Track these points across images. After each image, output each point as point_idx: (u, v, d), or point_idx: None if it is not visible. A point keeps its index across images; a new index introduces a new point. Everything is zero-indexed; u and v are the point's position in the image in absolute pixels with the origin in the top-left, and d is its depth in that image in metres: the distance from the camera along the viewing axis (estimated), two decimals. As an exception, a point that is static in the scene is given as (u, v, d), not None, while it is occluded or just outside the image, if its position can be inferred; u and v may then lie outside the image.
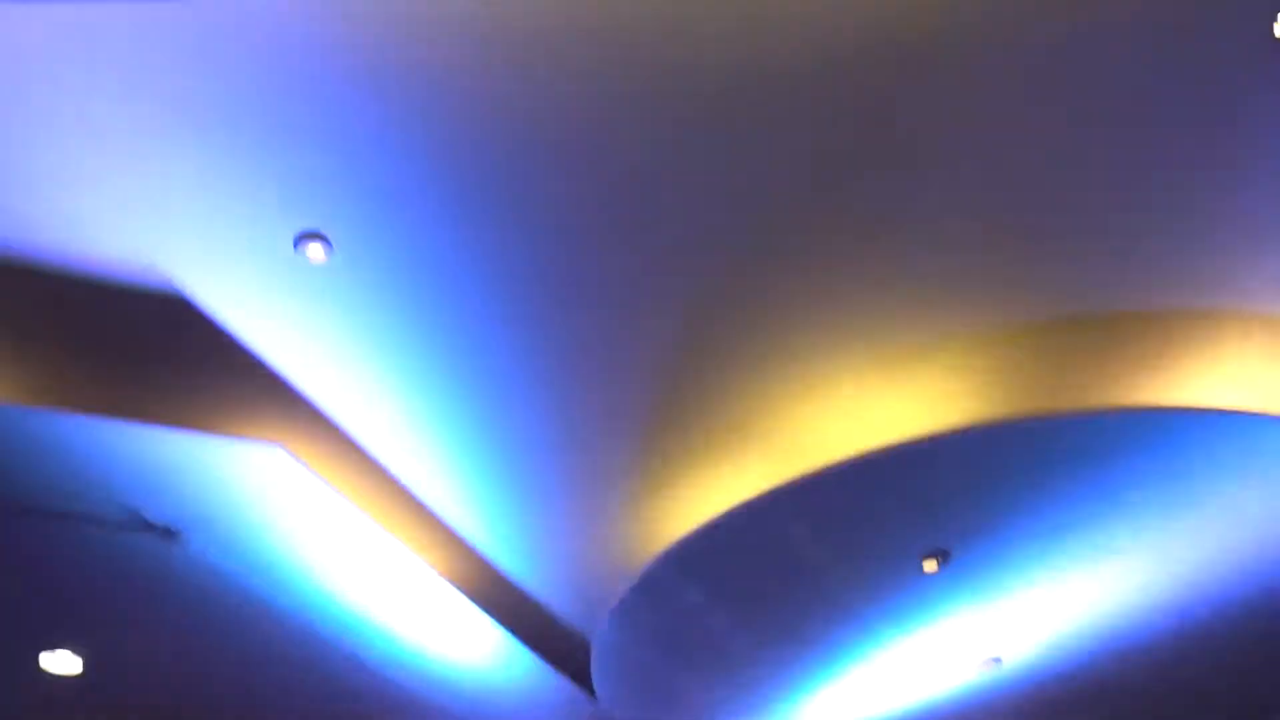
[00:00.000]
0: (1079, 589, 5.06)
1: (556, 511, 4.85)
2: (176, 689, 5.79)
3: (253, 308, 4.01)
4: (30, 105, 3.33)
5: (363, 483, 4.60)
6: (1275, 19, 3.15)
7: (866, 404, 4.27)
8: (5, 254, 3.81)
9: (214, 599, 4.97)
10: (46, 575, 4.80)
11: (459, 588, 5.05)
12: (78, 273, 3.88)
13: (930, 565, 4.77)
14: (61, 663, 5.40)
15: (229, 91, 3.26)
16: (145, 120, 3.35)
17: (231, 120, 3.36)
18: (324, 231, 3.70)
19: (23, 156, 3.49)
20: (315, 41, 3.13)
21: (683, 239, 3.74)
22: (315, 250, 3.76)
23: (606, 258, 3.80)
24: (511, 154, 3.45)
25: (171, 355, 4.12)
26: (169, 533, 4.54)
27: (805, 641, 5.32)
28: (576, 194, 3.59)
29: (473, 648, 5.47)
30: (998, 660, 5.61)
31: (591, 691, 5.81)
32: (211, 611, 5.07)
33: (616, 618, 5.07)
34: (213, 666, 5.59)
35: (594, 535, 4.93)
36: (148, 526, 4.50)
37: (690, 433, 4.45)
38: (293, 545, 4.69)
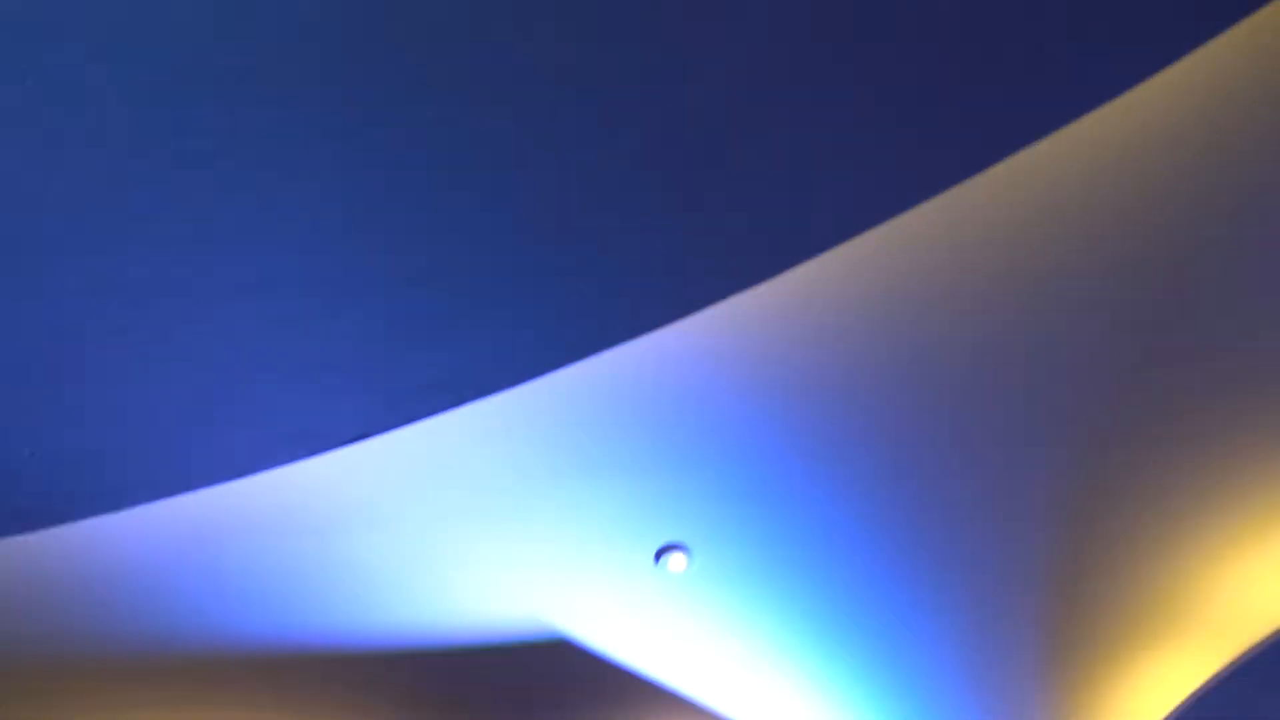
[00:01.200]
0: None
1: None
2: None
3: (618, 628, 4.12)
4: (430, 495, 3.56)
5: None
6: None
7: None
8: (399, 638, 4.06)
9: None
10: None
11: None
12: (469, 644, 4.10)
13: None
14: None
15: (599, 436, 3.46)
16: (524, 477, 3.53)
17: (600, 460, 3.53)
18: (683, 542, 3.88)
19: (421, 545, 3.73)
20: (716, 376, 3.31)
21: (1063, 428, 3.64)
22: (676, 560, 3.91)
23: (991, 463, 3.73)
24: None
25: (557, 695, 4.26)
26: None
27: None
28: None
29: None
30: None
31: None
32: None
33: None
34: None
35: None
36: None
37: (1109, 624, 4.25)
38: None
